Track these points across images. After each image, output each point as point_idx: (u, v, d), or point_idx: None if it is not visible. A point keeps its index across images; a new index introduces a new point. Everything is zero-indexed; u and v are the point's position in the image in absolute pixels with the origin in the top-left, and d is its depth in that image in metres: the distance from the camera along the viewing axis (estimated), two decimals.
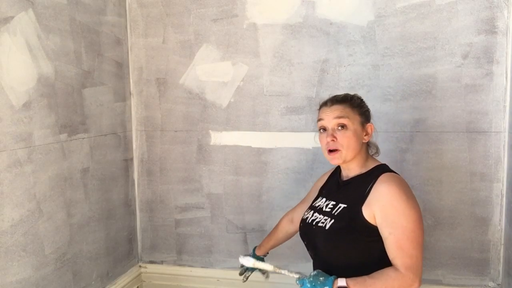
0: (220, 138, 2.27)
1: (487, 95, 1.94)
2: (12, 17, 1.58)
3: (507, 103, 1.92)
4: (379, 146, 1.59)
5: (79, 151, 1.95)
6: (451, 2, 1.93)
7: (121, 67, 2.27)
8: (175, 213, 2.38)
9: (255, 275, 2.39)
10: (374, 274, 1.31)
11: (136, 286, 2.41)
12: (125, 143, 2.33)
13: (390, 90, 2.02)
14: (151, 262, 2.45)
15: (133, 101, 2.37)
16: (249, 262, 1.42)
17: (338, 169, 1.59)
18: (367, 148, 1.51)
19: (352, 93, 1.54)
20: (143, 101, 2.36)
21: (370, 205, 1.35)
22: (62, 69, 1.84)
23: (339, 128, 1.42)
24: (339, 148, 1.41)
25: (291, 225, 1.80)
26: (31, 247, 1.68)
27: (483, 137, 1.96)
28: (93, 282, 2.07)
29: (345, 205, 1.42)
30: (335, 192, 1.53)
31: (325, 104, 1.49)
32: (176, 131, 2.33)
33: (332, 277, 1.31)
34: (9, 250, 1.58)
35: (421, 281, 1.32)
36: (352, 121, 1.42)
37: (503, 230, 1.97)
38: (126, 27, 2.32)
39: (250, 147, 2.23)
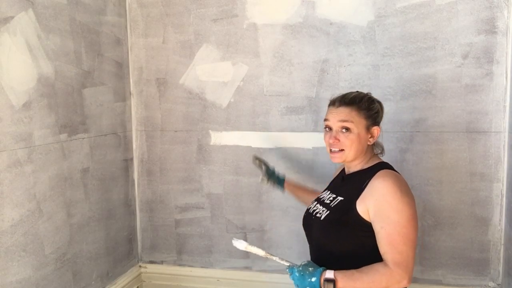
0: (220, 138, 2.27)
1: (487, 95, 1.94)
2: (12, 17, 1.58)
3: (507, 103, 1.92)
4: None
5: (79, 151, 1.95)
6: (451, 2, 1.93)
7: (121, 67, 2.27)
8: (175, 213, 2.38)
9: (255, 275, 2.39)
10: (363, 268, 1.32)
11: (136, 286, 2.41)
12: (125, 143, 2.33)
13: (390, 90, 2.02)
14: (151, 262, 2.45)
15: (133, 101, 2.37)
16: (241, 245, 1.43)
17: None
18: (372, 148, 1.51)
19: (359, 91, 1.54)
20: (143, 101, 2.36)
21: (364, 200, 1.36)
22: (62, 69, 1.84)
23: (343, 130, 1.43)
24: (343, 147, 1.44)
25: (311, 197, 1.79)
26: (31, 247, 1.68)
27: (483, 137, 1.96)
28: (93, 282, 2.07)
29: (342, 198, 1.45)
30: (338, 186, 1.56)
31: (333, 103, 1.49)
32: (176, 131, 2.33)
33: (321, 269, 1.33)
34: (9, 250, 1.58)
35: (411, 278, 1.30)
36: (357, 125, 1.42)
37: (503, 230, 1.97)
38: (126, 27, 2.32)
39: (250, 147, 2.23)
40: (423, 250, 2.06)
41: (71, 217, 1.91)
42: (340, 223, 1.40)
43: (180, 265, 2.41)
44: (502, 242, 1.98)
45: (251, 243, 1.45)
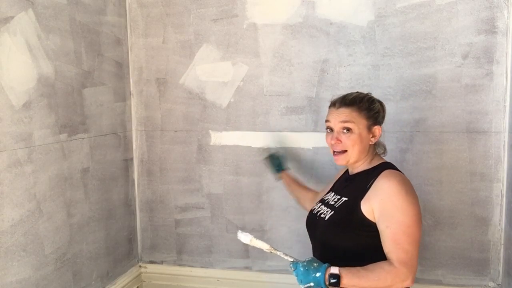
0: (220, 138, 2.27)
1: (487, 95, 1.94)
2: (12, 17, 1.58)
3: (507, 103, 1.92)
4: None
5: (79, 151, 1.95)
6: (451, 2, 1.93)
7: (121, 67, 2.27)
8: (175, 213, 2.38)
9: (255, 275, 2.39)
10: (368, 266, 1.32)
11: (136, 286, 2.41)
12: (125, 143, 2.33)
13: (390, 90, 2.02)
14: (151, 262, 2.45)
15: (133, 101, 2.37)
16: (246, 238, 1.42)
17: None
18: (374, 148, 1.52)
19: (360, 91, 1.54)
20: (143, 101, 2.36)
21: (369, 200, 1.37)
22: (62, 69, 1.84)
23: (344, 131, 1.44)
24: (345, 148, 1.45)
25: (311, 202, 1.78)
26: (31, 247, 1.68)
27: (483, 137, 1.96)
28: (93, 282, 2.07)
29: (346, 199, 1.45)
30: (342, 186, 1.56)
31: (333, 104, 1.50)
32: (176, 131, 2.33)
33: (326, 264, 1.33)
34: (9, 250, 1.58)
35: (415, 278, 1.32)
36: (358, 125, 1.43)
37: (503, 230, 1.97)
38: (126, 27, 2.32)
39: (250, 147, 2.23)
40: (423, 250, 2.06)
41: (71, 217, 1.91)
42: (344, 223, 1.40)
43: (180, 265, 2.41)
44: (502, 242, 1.98)
45: (251, 235, 1.44)
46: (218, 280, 2.34)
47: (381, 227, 1.34)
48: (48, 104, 1.76)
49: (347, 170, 1.61)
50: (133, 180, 2.41)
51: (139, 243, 2.46)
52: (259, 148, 2.22)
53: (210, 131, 2.28)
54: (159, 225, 2.42)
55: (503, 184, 1.96)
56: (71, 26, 1.89)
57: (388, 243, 1.32)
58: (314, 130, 2.14)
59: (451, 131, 1.98)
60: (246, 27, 2.18)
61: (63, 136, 1.85)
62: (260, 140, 2.22)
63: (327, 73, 2.10)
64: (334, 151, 1.48)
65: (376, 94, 1.56)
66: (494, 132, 1.94)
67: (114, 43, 2.21)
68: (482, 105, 1.95)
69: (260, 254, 2.25)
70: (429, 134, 2.01)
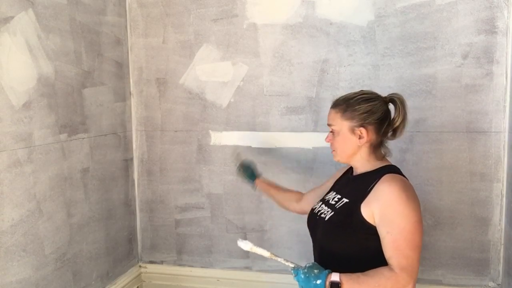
0: (220, 138, 2.27)
1: (487, 95, 1.94)
2: (12, 17, 1.58)
3: (507, 103, 1.92)
4: None
5: (79, 151, 1.95)
6: (451, 2, 1.93)
7: (121, 67, 2.27)
8: (175, 213, 2.38)
9: (255, 275, 2.38)
10: (369, 272, 1.31)
11: (136, 286, 2.41)
12: (125, 143, 2.33)
13: (390, 90, 2.01)
14: (151, 262, 2.45)
15: (133, 101, 2.37)
16: (247, 246, 1.42)
17: None
18: (374, 149, 1.47)
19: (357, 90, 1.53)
20: (143, 101, 2.36)
21: (369, 204, 1.35)
22: (62, 69, 1.84)
23: (332, 132, 1.49)
24: (334, 149, 1.49)
25: (294, 202, 1.83)
26: (31, 247, 1.68)
27: (483, 137, 1.96)
28: (93, 282, 2.07)
29: (347, 200, 1.44)
30: (344, 186, 1.55)
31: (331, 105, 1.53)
32: (176, 131, 2.33)
33: (326, 271, 1.32)
34: (9, 250, 1.58)
35: (416, 283, 1.31)
36: (340, 127, 1.45)
37: (503, 230, 1.97)
38: (126, 27, 2.32)
39: (250, 147, 2.23)
40: (423, 250, 2.03)
41: (71, 217, 1.91)
42: (344, 225, 1.39)
43: (180, 265, 2.41)
44: (502, 242, 1.98)
45: (252, 243, 1.44)
46: (218, 280, 2.34)
47: (381, 232, 1.33)
48: (48, 104, 1.76)
49: (350, 169, 1.60)
50: (133, 180, 2.41)
51: (139, 243, 2.46)
52: (259, 148, 2.22)
53: (210, 131, 2.28)
54: (159, 225, 2.42)
55: (503, 184, 1.96)
56: (71, 26, 1.90)
57: (389, 249, 1.31)
58: (314, 130, 2.14)
59: (451, 131, 1.98)
60: (246, 27, 2.18)
61: (63, 136, 1.86)
62: (260, 140, 2.22)
63: (327, 73, 2.10)
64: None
65: None
66: (494, 132, 1.94)
67: (114, 43, 2.21)
68: (482, 105, 1.95)
69: (260, 254, 2.24)
70: (429, 134, 2.01)
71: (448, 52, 1.95)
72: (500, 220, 1.97)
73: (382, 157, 1.48)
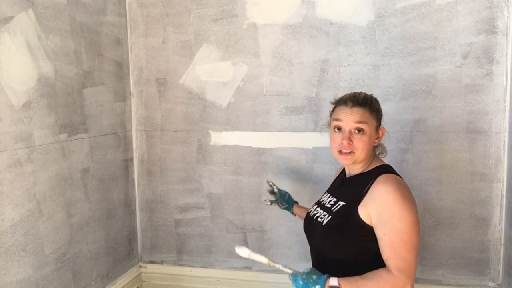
0: (220, 138, 2.27)
1: (487, 95, 1.94)
2: (12, 17, 1.58)
3: (507, 103, 1.92)
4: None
5: (79, 151, 1.95)
6: (451, 2, 1.93)
7: (121, 67, 2.27)
8: (175, 213, 2.38)
9: (255, 275, 2.39)
10: (367, 274, 1.31)
11: (136, 286, 2.41)
12: (125, 143, 2.33)
13: (390, 90, 2.03)
14: (151, 262, 2.45)
15: (133, 101, 2.37)
16: (244, 252, 1.42)
17: None
18: (374, 149, 1.50)
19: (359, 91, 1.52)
20: (143, 101, 2.36)
21: (366, 205, 1.35)
22: (62, 69, 1.84)
23: (356, 131, 1.41)
24: (354, 150, 1.41)
25: None
26: (31, 247, 1.68)
27: (483, 137, 1.96)
28: (93, 282, 2.07)
29: (344, 203, 1.43)
30: (339, 189, 1.55)
31: (344, 103, 1.44)
32: (176, 131, 2.33)
33: (325, 276, 1.32)
34: (9, 250, 1.58)
35: (414, 284, 1.31)
36: (370, 126, 1.42)
37: (503, 230, 1.97)
38: (126, 27, 2.32)
39: (250, 147, 2.23)
40: (423, 250, 2.06)
41: (71, 217, 1.90)
42: (342, 228, 1.39)
43: (180, 265, 2.41)
44: (502, 242, 1.98)
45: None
46: (218, 280, 2.34)
47: (378, 234, 1.33)
48: (48, 104, 1.76)
49: (343, 170, 1.59)
50: (133, 180, 2.41)
51: (139, 243, 2.46)
52: (259, 148, 2.22)
53: (210, 131, 2.28)
54: (159, 225, 2.42)
55: (503, 184, 1.96)
56: (71, 26, 1.89)
57: (386, 251, 1.31)
58: (314, 130, 2.14)
59: (451, 131, 1.98)
60: (246, 27, 2.18)
61: (63, 136, 1.85)
62: (260, 140, 2.22)
63: (327, 73, 2.10)
64: (341, 151, 1.43)
65: (376, 94, 1.54)
66: (494, 132, 1.94)
67: (114, 43, 2.21)
68: (482, 105, 1.95)
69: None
70: (429, 134, 2.01)
71: (448, 52, 1.95)
72: (500, 220, 1.97)
73: (375, 156, 1.51)
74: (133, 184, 2.41)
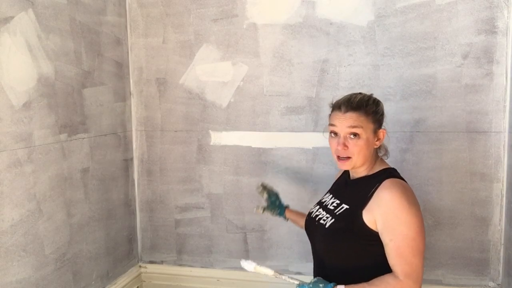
0: (220, 138, 2.27)
1: (487, 95, 1.94)
2: (12, 17, 1.58)
3: (507, 103, 1.92)
4: None
5: (79, 151, 1.95)
6: (451, 2, 1.93)
7: (121, 67, 2.27)
8: (175, 213, 2.38)
9: (255, 275, 2.39)
10: (373, 281, 1.31)
11: (136, 286, 2.41)
12: (125, 143, 2.33)
13: (390, 90, 2.02)
14: (151, 262, 2.45)
15: (133, 101, 2.37)
16: (250, 266, 1.41)
17: None
18: (376, 151, 1.47)
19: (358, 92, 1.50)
20: (143, 101, 2.36)
21: (371, 210, 1.34)
22: (62, 69, 1.84)
23: (351, 136, 1.39)
24: (350, 155, 1.40)
25: None
26: (31, 247, 1.68)
27: (483, 137, 1.96)
28: (93, 282, 2.07)
29: (348, 207, 1.42)
30: (342, 190, 1.53)
31: (338, 108, 1.43)
32: (176, 131, 2.33)
33: (331, 284, 1.31)
34: (9, 250, 1.58)
35: None
36: (365, 129, 1.38)
37: (503, 230, 1.97)
38: (126, 27, 2.32)
39: (250, 147, 2.23)
40: (424, 258, 2.05)
41: (71, 217, 1.91)
42: (345, 232, 1.38)
43: (180, 265, 2.41)
44: (502, 242, 1.98)
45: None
46: (218, 280, 2.34)
47: (384, 240, 1.32)
48: (48, 104, 1.76)
49: (345, 172, 1.58)
50: (133, 180, 2.41)
51: (139, 243, 2.46)
52: (259, 148, 2.22)
53: (210, 131, 2.28)
54: (159, 225, 2.42)
55: (503, 184, 1.96)
56: (71, 26, 1.89)
57: (393, 256, 1.30)
58: (314, 130, 2.14)
59: (451, 131, 1.98)
60: (246, 27, 2.18)
61: (63, 136, 1.86)
62: (260, 140, 2.22)
63: (327, 73, 2.10)
64: (338, 156, 1.42)
65: (376, 94, 1.53)
66: (494, 132, 1.94)
67: (114, 43, 2.21)
68: (482, 105, 1.95)
69: (260, 254, 2.25)
70: (429, 134, 2.01)
71: (448, 52, 1.95)
72: (500, 220, 1.97)
73: (380, 159, 1.48)
74: (133, 184, 2.41)
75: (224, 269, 2.34)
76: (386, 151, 1.52)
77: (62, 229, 1.85)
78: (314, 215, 1.53)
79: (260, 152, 2.22)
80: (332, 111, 1.46)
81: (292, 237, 2.22)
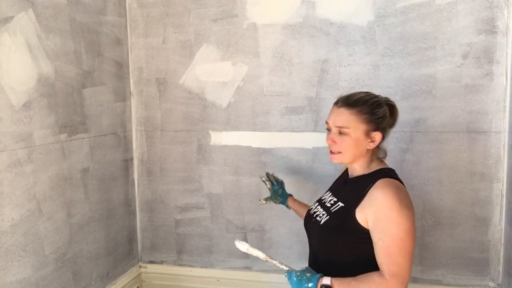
0: (220, 138, 2.27)
1: (487, 95, 1.94)
2: (12, 17, 1.58)
3: (507, 103, 1.92)
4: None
5: (79, 151, 1.95)
6: (451, 2, 1.93)
7: (121, 67, 2.27)
8: (175, 213, 2.38)
9: (255, 275, 2.39)
10: (360, 277, 1.32)
11: (136, 286, 2.41)
12: (125, 143, 2.33)
13: (390, 90, 2.02)
14: (151, 262, 2.45)
15: (133, 101, 2.37)
16: (243, 246, 1.46)
17: None
18: (374, 152, 1.46)
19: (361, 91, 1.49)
20: (143, 101, 2.36)
21: (363, 209, 1.35)
22: (62, 69, 1.84)
23: (339, 133, 1.40)
24: (340, 150, 1.41)
25: None
26: (31, 247, 1.68)
27: (483, 137, 1.96)
28: (93, 282, 2.07)
29: (343, 204, 1.43)
30: (340, 189, 1.54)
31: (336, 102, 1.44)
32: (176, 131, 2.33)
33: (318, 275, 1.34)
34: (9, 250, 1.58)
35: None
36: (354, 129, 1.38)
37: (503, 230, 1.97)
38: (126, 27, 2.32)
39: (250, 147, 2.24)
40: (423, 250, 2.06)
41: (71, 217, 1.91)
42: (338, 229, 1.39)
43: (180, 265, 2.41)
44: (502, 242, 1.98)
45: (251, 243, 1.47)
46: (218, 280, 2.34)
47: (374, 239, 1.33)
48: (48, 104, 1.76)
49: (346, 170, 1.59)
50: (133, 180, 2.41)
51: (139, 243, 2.46)
52: (259, 148, 2.22)
53: (210, 131, 2.28)
54: (159, 225, 2.42)
55: (503, 184, 1.96)
56: (71, 26, 1.89)
57: (381, 255, 1.31)
58: (314, 130, 2.14)
59: (451, 131, 1.98)
60: (246, 27, 2.18)
61: (63, 136, 1.86)
62: (260, 140, 2.22)
63: (327, 73, 2.10)
64: (331, 150, 1.45)
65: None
66: (494, 132, 1.94)
67: (114, 43, 2.21)
68: (482, 105, 1.95)
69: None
70: (429, 134, 2.01)
71: (448, 52, 1.95)
72: (500, 220, 1.97)
73: (379, 159, 1.48)
74: (133, 184, 2.41)
75: (224, 269, 2.34)
76: (385, 153, 1.50)
77: (62, 229, 1.85)
78: (313, 211, 1.55)
79: (260, 152, 2.22)
80: (332, 106, 1.48)
81: (292, 237, 2.22)
